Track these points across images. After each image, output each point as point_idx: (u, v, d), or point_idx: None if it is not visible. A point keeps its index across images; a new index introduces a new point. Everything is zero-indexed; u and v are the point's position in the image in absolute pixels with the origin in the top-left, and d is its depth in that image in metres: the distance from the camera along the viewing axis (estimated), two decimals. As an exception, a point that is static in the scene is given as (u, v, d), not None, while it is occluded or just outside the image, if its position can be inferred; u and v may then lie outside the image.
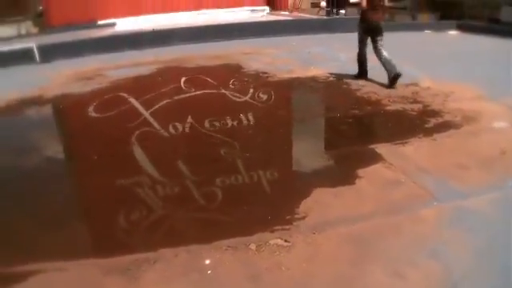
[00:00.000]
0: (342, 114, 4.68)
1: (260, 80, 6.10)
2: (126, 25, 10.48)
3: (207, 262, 2.28)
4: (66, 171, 3.79)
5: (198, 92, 5.51)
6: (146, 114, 4.69)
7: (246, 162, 3.51)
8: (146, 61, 7.53)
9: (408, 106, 4.77)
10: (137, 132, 4.19)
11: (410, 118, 4.47)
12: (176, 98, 5.30)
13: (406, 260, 2.26)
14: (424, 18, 11.27)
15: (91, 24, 10.21)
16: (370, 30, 5.62)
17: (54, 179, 3.48)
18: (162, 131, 4.23)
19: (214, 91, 5.56)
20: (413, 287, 2.10)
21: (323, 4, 12.35)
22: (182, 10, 11.54)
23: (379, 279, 2.13)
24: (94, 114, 4.90)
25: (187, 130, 4.28)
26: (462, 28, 10.19)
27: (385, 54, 5.56)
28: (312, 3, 13.45)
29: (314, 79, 6.12)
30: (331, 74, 6.29)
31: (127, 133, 4.17)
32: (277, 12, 12.54)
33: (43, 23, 9.93)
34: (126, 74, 6.61)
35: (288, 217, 2.67)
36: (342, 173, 3.34)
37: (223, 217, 2.76)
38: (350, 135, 4.33)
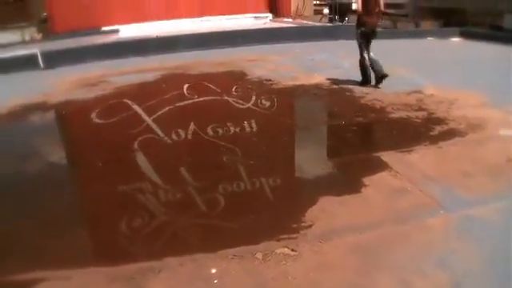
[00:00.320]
0: (347, 121, 4.66)
1: (264, 87, 6.10)
2: (129, 31, 10.52)
3: (213, 271, 2.26)
4: (69, 177, 3.78)
5: (201, 99, 5.51)
6: (149, 120, 4.68)
7: (249, 168, 3.49)
8: (150, 67, 7.54)
9: (412, 114, 4.76)
10: (139, 138, 4.19)
11: (414, 125, 4.46)
12: (179, 104, 5.30)
13: (414, 269, 2.24)
14: (427, 25, 11.29)
15: (95, 30, 10.26)
16: (367, 34, 5.80)
17: (57, 185, 3.47)
18: (165, 138, 4.22)
19: (217, 98, 5.56)
20: (420, 297, 2.08)
21: (326, 11, 12.40)
22: (185, 17, 11.58)
23: (387, 288, 2.11)
24: (97, 120, 4.90)
25: (190, 136, 4.27)
26: (464, 35, 10.20)
27: (371, 54, 5.83)
28: (315, 10, 13.49)
29: (317, 86, 6.11)
30: (335, 81, 6.29)
31: (130, 139, 4.16)
32: (280, 19, 12.57)
33: (47, 29, 9.98)
34: (130, 80, 6.62)
35: (294, 225, 2.65)
36: (347, 181, 3.33)
37: (228, 224, 2.73)
38: (355, 143, 4.32)
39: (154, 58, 8.40)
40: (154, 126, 4.53)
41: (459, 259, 2.30)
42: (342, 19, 11.50)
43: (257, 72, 6.97)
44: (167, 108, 5.08)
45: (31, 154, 4.00)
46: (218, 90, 5.83)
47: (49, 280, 2.24)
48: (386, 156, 3.64)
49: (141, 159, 3.75)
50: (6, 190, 3.37)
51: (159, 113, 4.89)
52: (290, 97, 5.92)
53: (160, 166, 3.59)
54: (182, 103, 5.35)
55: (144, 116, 4.81)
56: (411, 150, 3.77)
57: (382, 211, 2.83)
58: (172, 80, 6.74)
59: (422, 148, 3.84)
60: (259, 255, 2.36)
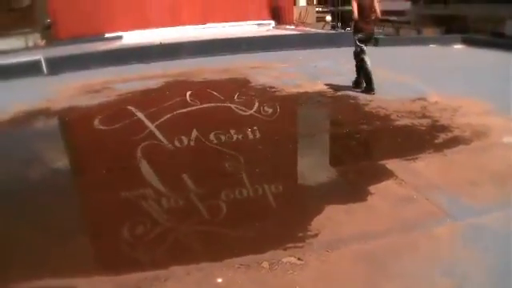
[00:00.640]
0: (351, 128, 4.65)
1: (267, 94, 6.10)
2: (132, 38, 10.57)
3: (219, 280, 2.23)
4: (72, 184, 3.77)
5: (204, 105, 5.51)
6: (152, 126, 4.69)
7: (252, 176, 3.48)
8: (154, 74, 7.56)
9: (417, 121, 4.75)
10: (142, 145, 4.19)
11: (419, 133, 4.44)
12: (182, 111, 5.30)
13: (421, 278, 2.22)
14: (429, 31, 11.31)
15: (98, 37, 10.31)
16: (365, 40, 5.92)
17: (60, 192, 3.46)
18: (168, 144, 4.22)
19: (220, 105, 5.56)
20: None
21: (328, 18, 12.45)
22: (188, 24, 11.65)
23: (395, 298, 2.09)
24: (100, 127, 4.90)
25: (193, 143, 4.27)
26: (466, 42, 10.22)
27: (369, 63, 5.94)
28: (317, 17, 13.55)
29: (321, 93, 6.11)
30: (338, 88, 6.29)
31: (133, 146, 4.15)
32: (282, 26, 12.62)
33: (51, 36, 10.05)
34: (133, 87, 6.64)
35: (300, 234, 2.63)
36: (353, 189, 3.31)
37: (233, 232, 2.71)
38: (360, 150, 4.30)
39: (157, 64, 8.44)
40: (157, 132, 4.53)
41: (466, 268, 2.28)
42: (344, 26, 11.54)
43: (260, 79, 6.98)
44: (170, 115, 5.09)
45: (34, 161, 4.00)
46: (221, 97, 5.84)
47: (52, 289, 2.22)
48: (391, 164, 3.62)
49: (144, 166, 3.74)
50: (9, 197, 3.36)
51: (162, 119, 4.90)
52: (293, 104, 5.92)
53: (163, 173, 3.58)
54: (184, 110, 5.35)
55: (147, 122, 4.81)
56: (416, 158, 3.75)
57: (388, 220, 2.81)
58: (175, 87, 6.75)
59: (427, 156, 3.82)
60: (265, 264, 2.34)
